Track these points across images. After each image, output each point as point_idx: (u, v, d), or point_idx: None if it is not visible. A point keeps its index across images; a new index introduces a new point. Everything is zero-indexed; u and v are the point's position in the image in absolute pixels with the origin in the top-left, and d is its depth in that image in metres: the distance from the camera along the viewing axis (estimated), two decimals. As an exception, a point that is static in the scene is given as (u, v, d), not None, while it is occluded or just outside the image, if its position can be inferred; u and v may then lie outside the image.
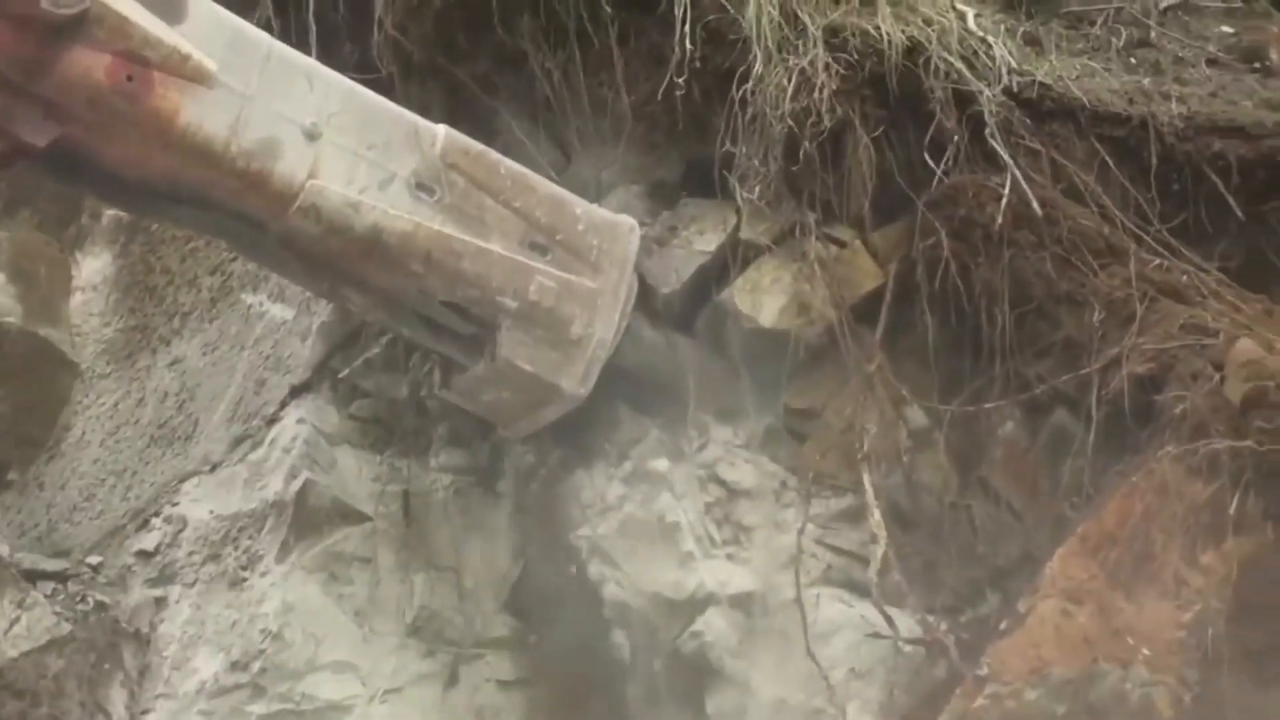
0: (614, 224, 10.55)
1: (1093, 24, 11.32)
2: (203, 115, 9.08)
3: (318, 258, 9.71)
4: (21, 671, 10.29)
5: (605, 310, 10.31)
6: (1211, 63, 11.06)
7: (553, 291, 10.07)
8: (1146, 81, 10.72)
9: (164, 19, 9.05)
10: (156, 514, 10.75)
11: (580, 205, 10.50)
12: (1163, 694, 9.16)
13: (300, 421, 10.61)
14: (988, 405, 9.94)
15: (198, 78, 9.10)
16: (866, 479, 10.13)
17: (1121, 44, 11.08)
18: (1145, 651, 9.27)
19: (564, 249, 10.27)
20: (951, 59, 10.56)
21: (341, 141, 9.71)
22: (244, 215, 9.48)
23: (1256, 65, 11.15)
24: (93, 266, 11.74)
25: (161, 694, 10.41)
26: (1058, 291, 9.96)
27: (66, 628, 10.47)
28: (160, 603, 10.59)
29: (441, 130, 10.03)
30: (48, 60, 8.74)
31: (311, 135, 9.63)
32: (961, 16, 10.87)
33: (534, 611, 10.78)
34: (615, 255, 10.47)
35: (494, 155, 10.19)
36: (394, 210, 9.66)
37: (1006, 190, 9.93)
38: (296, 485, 10.38)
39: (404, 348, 10.97)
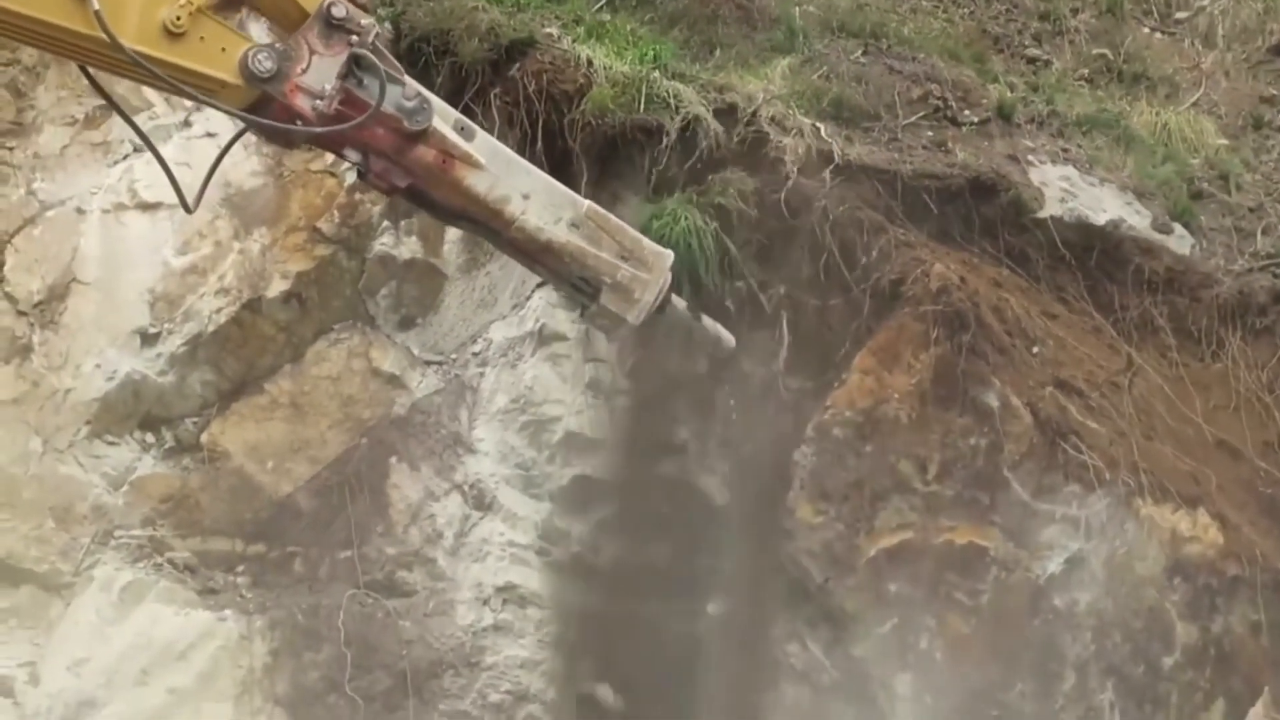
0: (661, 251, 12.85)
1: (869, 130, 14.23)
2: (476, 182, 11.84)
3: (523, 251, 12.57)
4: (424, 404, 13.67)
5: (651, 289, 12.66)
6: (924, 148, 14.09)
7: (628, 276, 12.52)
8: (896, 155, 13.85)
9: (464, 138, 11.77)
10: (479, 336, 13.78)
11: (646, 241, 13.00)
12: (904, 411, 13.01)
13: (540, 299, 13.67)
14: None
15: (475, 165, 11.82)
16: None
17: (885, 140, 14.09)
18: (896, 395, 13.07)
19: (635, 259, 12.54)
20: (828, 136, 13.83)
21: (538, 200, 12.28)
22: (491, 228, 12.43)
23: (943, 148, 14.16)
24: (450, 234, 13.94)
25: (481, 413, 13.63)
26: (864, 244, 13.32)
27: (441, 384, 13.76)
28: (481, 374, 13.66)
29: (586, 201, 12.74)
30: (407, 149, 11.47)
31: (525, 196, 12.21)
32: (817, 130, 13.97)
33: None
34: (659, 266, 12.66)
35: (609, 215, 12.77)
36: (559, 234, 12.43)
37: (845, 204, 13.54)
38: (539, 325, 13.58)
39: (589, 278, 14.21)
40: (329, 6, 10.82)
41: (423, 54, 13.81)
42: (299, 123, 10.96)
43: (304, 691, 12.94)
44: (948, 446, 13.16)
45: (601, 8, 14.69)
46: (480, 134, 12.11)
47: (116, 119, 13.68)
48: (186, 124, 13.96)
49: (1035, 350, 13.41)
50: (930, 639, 12.85)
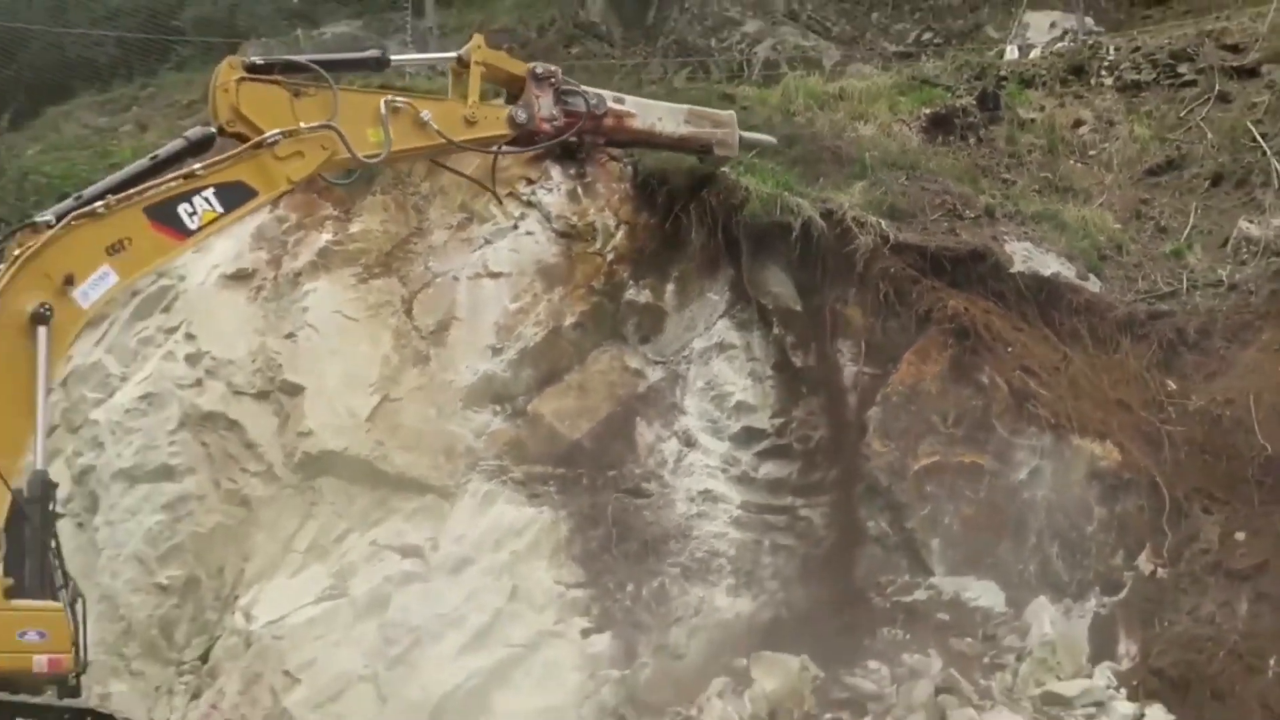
0: (730, 114, 15.40)
1: (910, 223, 15.80)
2: (634, 123, 14.53)
3: (670, 146, 15.02)
4: (656, 386, 15.44)
5: (734, 136, 15.07)
6: (942, 232, 15.85)
7: (722, 135, 14.94)
8: (926, 237, 15.59)
9: (621, 105, 14.47)
10: (686, 347, 15.70)
11: (720, 113, 15.44)
12: (934, 386, 15.09)
13: (720, 324, 15.66)
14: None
15: (631, 115, 14.50)
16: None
17: (919, 228, 15.80)
18: (929, 377, 15.15)
19: (720, 125, 15.01)
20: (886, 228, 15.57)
21: (666, 119, 14.78)
22: (651, 143, 14.98)
23: (954, 232, 16.02)
24: (669, 286, 15.91)
25: (688, 391, 15.55)
26: (909, 290, 15.43)
27: (665, 375, 15.57)
28: (688, 369, 15.57)
29: (685, 106, 15.10)
30: (599, 123, 14.21)
31: (659, 119, 14.73)
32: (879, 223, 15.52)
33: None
34: (732, 123, 15.15)
35: (699, 108, 15.31)
36: (683, 130, 14.88)
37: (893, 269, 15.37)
38: (720, 339, 15.63)
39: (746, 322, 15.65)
40: (533, 69, 14.03)
41: (649, 184, 16.14)
42: (539, 139, 14.11)
43: (588, 552, 14.86)
44: (959, 406, 15.18)
45: (752, 156, 16.16)
46: (627, 97, 14.91)
47: (477, 225, 16.10)
48: (514, 227, 16.14)
49: (1009, 349, 15.28)
50: (950, 518, 14.91)
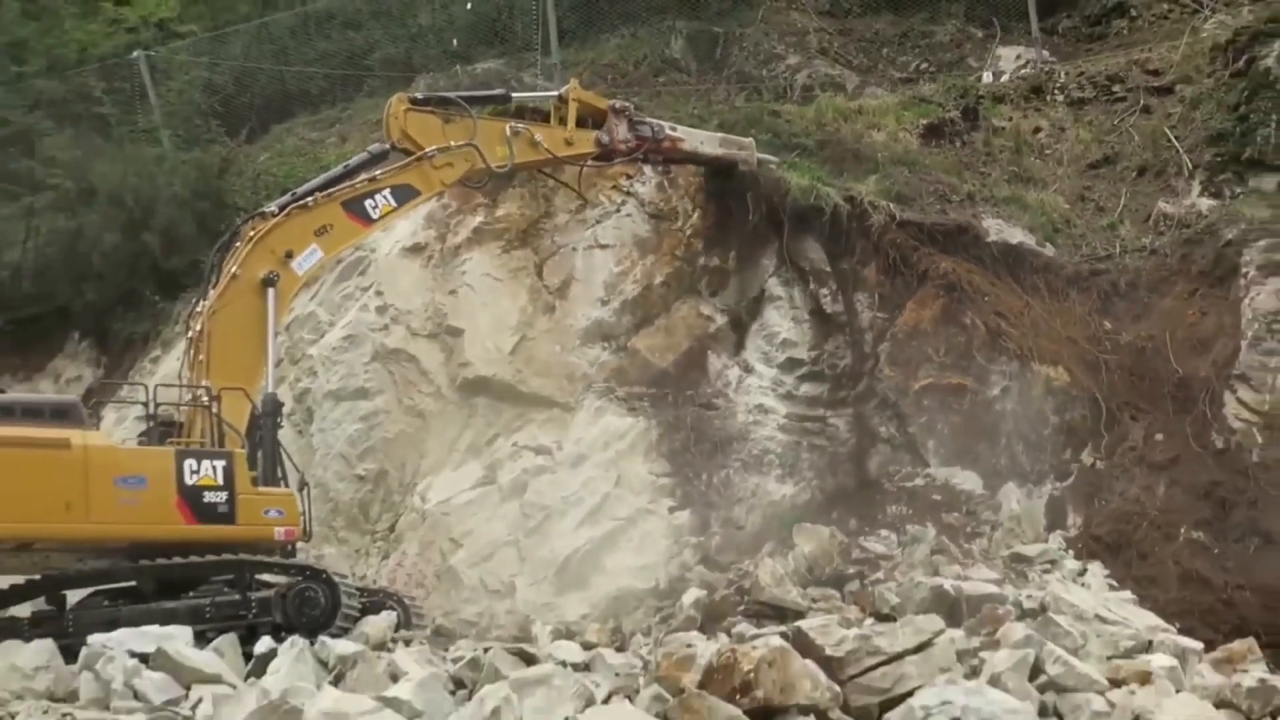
0: (750, 140, 15.29)
1: (912, 205, 15.53)
2: (685, 146, 14.60)
3: (707, 162, 15.00)
4: (722, 328, 15.33)
5: (754, 157, 14.98)
6: (936, 211, 15.58)
7: (745, 155, 14.88)
8: (924, 215, 15.44)
9: (672, 131, 14.63)
10: (744, 299, 15.45)
11: (744, 140, 15.30)
12: (929, 327, 14.93)
13: (771, 283, 15.45)
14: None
15: (681, 139, 14.58)
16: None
17: (918, 208, 15.55)
18: (925, 320, 14.97)
19: (744, 148, 14.94)
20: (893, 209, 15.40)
21: (707, 142, 14.84)
22: (695, 160, 14.92)
23: (944, 212, 15.68)
24: (731, 253, 15.61)
25: (746, 330, 15.44)
26: (911, 255, 15.27)
27: (728, 320, 15.42)
28: (745, 314, 15.46)
29: (719, 134, 15.26)
30: (660, 145, 14.43)
31: (701, 143, 14.77)
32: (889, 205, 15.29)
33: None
34: (752, 146, 15.09)
35: (730, 135, 15.30)
36: (719, 150, 14.91)
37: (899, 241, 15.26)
38: (770, 293, 15.44)
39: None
40: (612, 105, 14.27)
41: (712, 178, 15.91)
42: (616, 157, 14.39)
43: (673, 451, 14.86)
44: (947, 341, 15.06)
45: (794, 155, 16.31)
46: (679, 126, 15.06)
47: (590, 209, 15.89)
48: (618, 210, 16.03)
49: (986, 299, 15.10)
50: (942, 424, 14.82)
